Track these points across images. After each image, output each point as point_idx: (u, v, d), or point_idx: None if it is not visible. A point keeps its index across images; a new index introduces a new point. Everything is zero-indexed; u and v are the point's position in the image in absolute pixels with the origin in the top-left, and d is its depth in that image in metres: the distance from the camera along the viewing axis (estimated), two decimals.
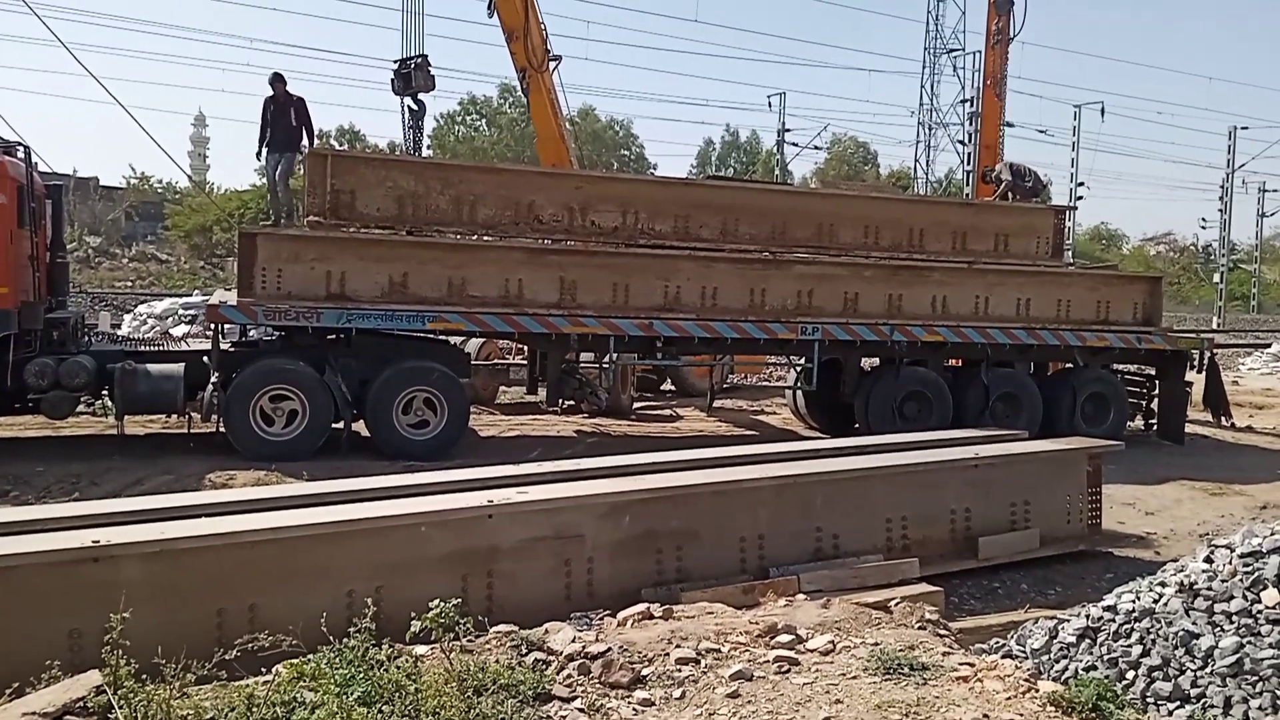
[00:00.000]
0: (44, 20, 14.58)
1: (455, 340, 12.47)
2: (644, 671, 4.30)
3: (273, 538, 5.09)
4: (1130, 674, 4.82)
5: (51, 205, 11.37)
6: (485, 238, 11.75)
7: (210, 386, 10.38)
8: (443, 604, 4.09)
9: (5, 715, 3.69)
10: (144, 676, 3.77)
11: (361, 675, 3.79)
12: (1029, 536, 7.71)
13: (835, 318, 12.25)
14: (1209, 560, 5.29)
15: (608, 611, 5.27)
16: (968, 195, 23.11)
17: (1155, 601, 5.09)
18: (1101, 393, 13.58)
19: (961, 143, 31.90)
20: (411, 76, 13.86)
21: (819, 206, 13.37)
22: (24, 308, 10.10)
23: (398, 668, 3.94)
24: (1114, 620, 5.10)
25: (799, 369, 13.18)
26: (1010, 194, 15.34)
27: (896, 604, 5.46)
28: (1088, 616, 5.23)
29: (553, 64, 15.11)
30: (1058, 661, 5.10)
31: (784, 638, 4.68)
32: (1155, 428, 14.31)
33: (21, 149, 10.59)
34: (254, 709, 3.60)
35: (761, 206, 12.87)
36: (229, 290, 12.28)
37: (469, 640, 4.31)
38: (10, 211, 9.96)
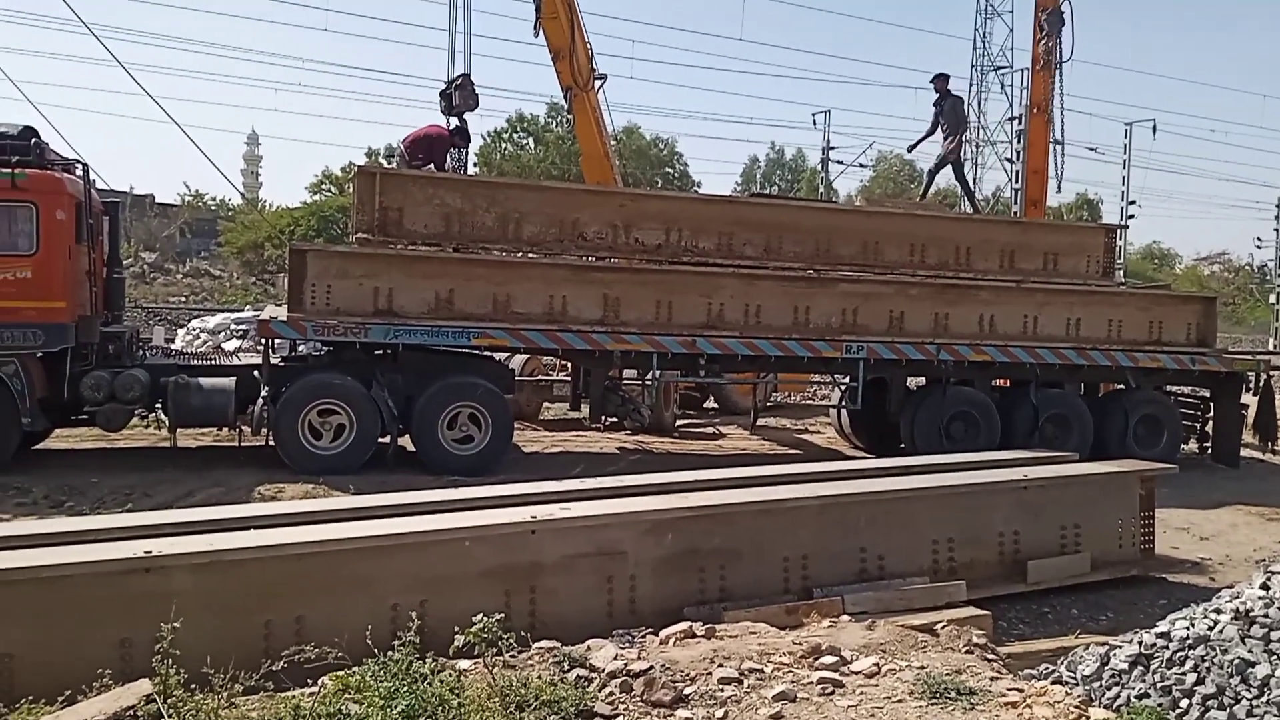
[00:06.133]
0: (102, 41, 14.96)
1: (500, 356, 12.55)
2: (686, 691, 4.28)
3: (320, 550, 5.14)
4: (1184, 702, 4.71)
5: (108, 222, 11.64)
6: (530, 255, 11.83)
7: (260, 400, 10.54)
8: (486, 619, 4.11)
9: None
10: (193, 686, 3.83)
11: (405, 689, 3.82)
12: (1080, 560, 7.56)
13: (881, 336, 12.16)
14: (1265, 587, 5.16)
15: (650, 629, 5.26)
16: (1016, 213, 22.82)
17: (1210, 629, 4.97)
18: (1154, 414, 13.34)
19: (1009, 160, 31.59)
20: (454, 96, 14.02)
21: (864, 224, 13.29)
22: (81, 322, 10.33)
23: (441, 682, 3.96)
24: (1168, 647, 4.98)
25: (843, 388, 13.09)
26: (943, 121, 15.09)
27: (943, 627, 5.40)
28: (1140, 643, 5.11)
29: (598, 83, 15.21)
30: (1109, 689, 4.99)
31: (828, 659, 4.64)
32: (1210, 451, 14.00)
33: (80, 167, 10.87)
34: None
35: (806, 224, 12.82)
36: (280, 306, 12.48)
37: (512, 656, 4.33)
38: (69, 227, 10.21)
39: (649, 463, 12.14)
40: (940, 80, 15.13)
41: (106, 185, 13.15)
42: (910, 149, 16.56)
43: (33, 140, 10.27)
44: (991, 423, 12.55)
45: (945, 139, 15.17)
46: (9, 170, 9.81)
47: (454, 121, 14.29)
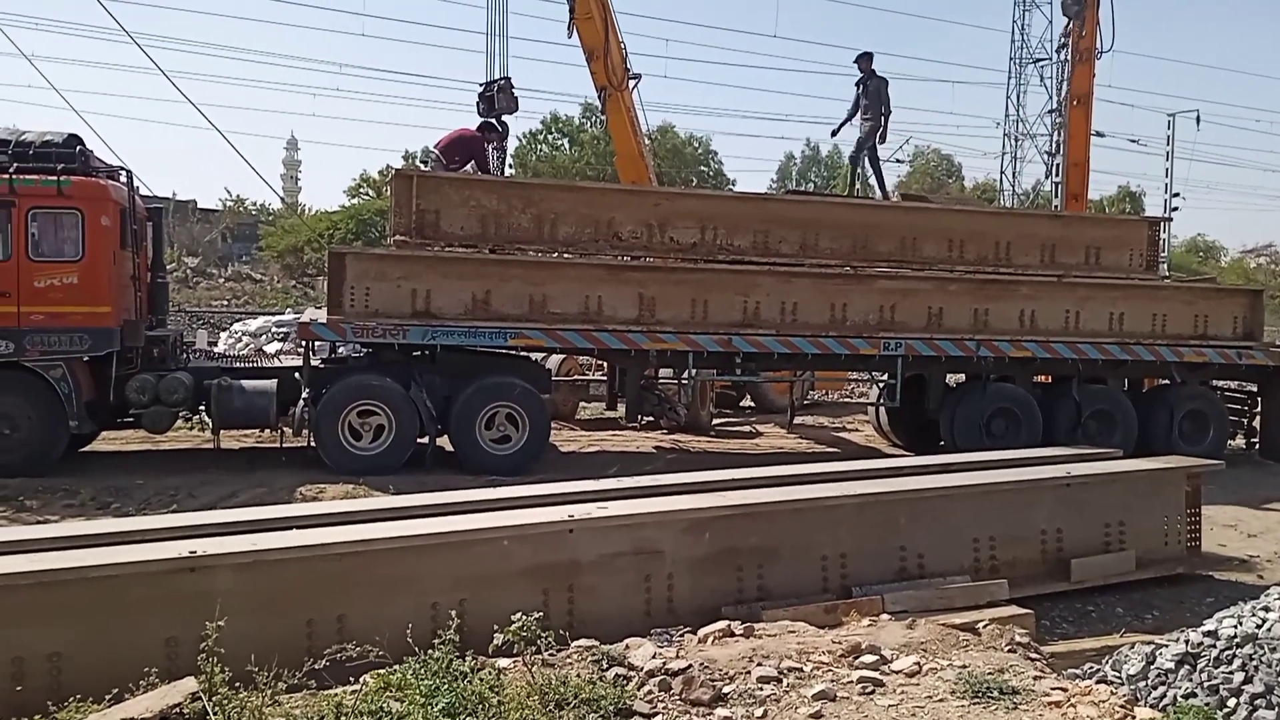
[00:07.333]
0: (144, 49, 15.26)
1: (536, 356, 12.60)
2: (725, 689, 4.27)
3: (361, 550, 5.19)
4: (1232, 702, 4.62)
5: (152, 227, 11.85)
6: (566, 255, 11.86)
7: (301, 402, 10.67)
8: (525, 617, 4.12)
9: None
10: (237, 684, 3.88)
11: (446, 686, 3.85)
12: (1124, 558, 7.45)
13: (919, 333, 12.06)
14: None
15: (688, 628, 5.25)
16: (1056, 207, 22.53)
17: (1259, 627, 4.88)
18: (1200, 410, 13.11)
19: (1049, 154, 31.20)
20: (495, 99, 14.09)
21: (901, 220, 13.17)
22: (126, 326, 10.51)
23: (481, 680, 3.98)
24: (1215, 646, 4.89)
25: (882, 385, 13.00)
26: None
27: (985, 626, 5.34)
28: (1187, 642, 5.03)
29: (632, 82, 15.23)
30: (1155, 688, 4.91)
31: (868, 658, 4.60)
32: (1257, 446, 13.76)
33: (124, 173, 11.06)
34: (342, 718, 3.68)
35: (842, 221, 12.74)
36: (319, 308, 12.62)
37: (550, 654, 4.34)
38: (113, 233, 10.39)
39: (685, 462, 12.14)
40: (864, 60, 14.69)
41: (150, 191, 13.42)
42: (833, 134, 15.80)
43: (78, 148, 10.47)
44: (1033, 419, 12.40)
45: (864, 122, 14.70)
46: (55, 178, 10.01)
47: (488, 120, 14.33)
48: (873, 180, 15.54)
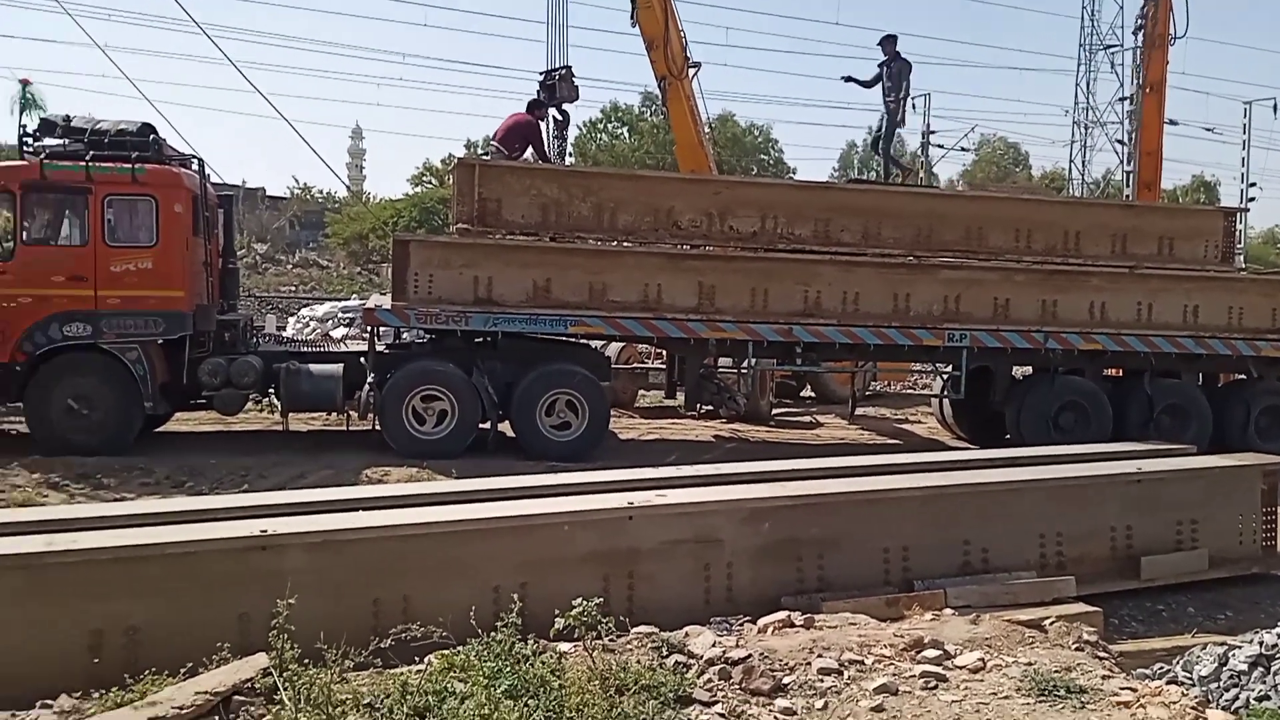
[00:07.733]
0: (214, 40, 15.66)
1: (596, 344, 12.65)
2: (785, 680, 4.26)
3: (425, 532, 5.27)
4: None
5: (223, 214, 12.10)
6: (625, 244, 11.86)
7: (366, 386, 10.84)
8: (585, 603, 4.15)
9: (179, 693, 3.94)
10: (307, 660, 3.96)
11: (508, 669, 3.90)
12: (1197, 557, 7.27)
13: (985, 324, 11.85)
14: None
15: (747, 617, 5.25)
16: (1128, 197, 21.98)
17: None
18: (1278, 406, 12.72)
19: (1120, 142, 30.39)
20: (556, 87, 14.14)
21: (966, 209, 12.95)
22: (198, 311, 10.76)
23: (543, 663, 4.03)
24: None
25: (946, 377, 12.81)
26: None
27: (1051, 623, 5.25)
28: (1261, 643, 4.91)
29: (692, 71, 15.17)
30: (1228, 690, 4.80)
31: (931, 653, 4.56)
32: None
33: (196, 162, 11.33)
34: (408, 697, 3.75)
35: (905, 210, 12.55)
36: (384, 295, 12.80)
37: (611, 640, 4.36)
38: (186, 220, 10.64)
39: (745, 451, 12.10)
40: (888, 43, 14.46)
41: (220, 179, 13.68)
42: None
43: (151, 137, 10.72)
44: (1103, 413, 12.13)
45: (887, 104, 14.52)
46: (130, 165, 10.28)
47: (554, 113, 14.39)
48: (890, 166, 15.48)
